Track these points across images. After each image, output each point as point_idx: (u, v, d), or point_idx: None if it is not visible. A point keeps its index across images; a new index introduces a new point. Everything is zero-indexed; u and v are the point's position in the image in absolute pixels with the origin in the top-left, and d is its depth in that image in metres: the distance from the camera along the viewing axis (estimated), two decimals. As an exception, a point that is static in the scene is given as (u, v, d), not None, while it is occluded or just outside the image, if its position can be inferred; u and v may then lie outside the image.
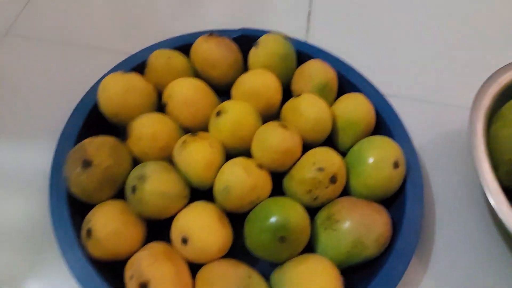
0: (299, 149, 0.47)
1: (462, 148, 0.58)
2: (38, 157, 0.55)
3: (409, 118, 0.55)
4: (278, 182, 0.49)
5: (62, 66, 0.64)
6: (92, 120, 0.52)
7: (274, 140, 0.45)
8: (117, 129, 0.53)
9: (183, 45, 0.58)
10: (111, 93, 0.49)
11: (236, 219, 0.47)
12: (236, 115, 0.48)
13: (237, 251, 0.45)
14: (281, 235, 0.41)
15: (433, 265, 0.49)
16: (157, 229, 0.47)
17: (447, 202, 0.54)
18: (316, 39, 0.67)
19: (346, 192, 0.49)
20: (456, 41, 0.71)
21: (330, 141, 0.53)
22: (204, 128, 0.51)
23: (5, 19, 0.70)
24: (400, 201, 0.48)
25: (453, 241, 0.51)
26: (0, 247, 0.48)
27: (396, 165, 0.46)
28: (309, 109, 0.48)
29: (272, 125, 0.47)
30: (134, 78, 0.51)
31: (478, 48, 0.70)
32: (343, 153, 0.50)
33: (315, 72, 0.53)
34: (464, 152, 0.58)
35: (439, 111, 0.62)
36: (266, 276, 0.44)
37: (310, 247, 0.45)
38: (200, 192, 0.48)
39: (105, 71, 0.56)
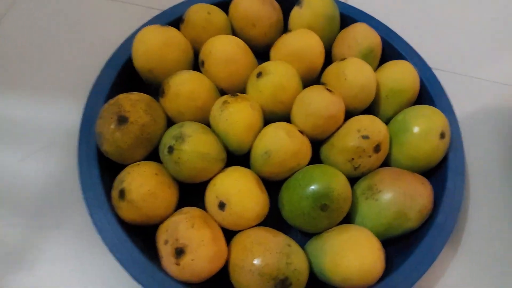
0: (343, 116, 0.44)
1: (502, 125, 0.55)
2: (66, 114, 0.51)
3: (448, 91, 0.51)
4: (312, 151, 0.45)
5: (89, 19, 0.60)
6: (124, 76, 0.49)
7: (319, 104, 0.42)
8: (147, 87, 0.49)
9: (221, 1, 0.53)
10: (148, 46, 0.45)
11: (267, 188, 0.44)
12: (279, 76, 0.44)
13: (265, 221, 0.43)
14: (324, 203, 0.39)
15: (464, 243, 0.47)
16: (185, 195, 0.44)
17: (482, 178, 0.51)
18: (356, 2, 0.62)
19: (385, 162, 0.46)
20: (502, 17, 0.66)
21: (369, 109, 0.49)
22: (238, 90, 0.48)
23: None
24: (441, 173, 0.46)
25: (487, 221, 0.48)
26: (25, 208, 0.45)
27: (442, 135, 0.43)
28: (355, 74, 0.45)
29: (317, 89, 0.43)
30: (172, 32, 0.47)
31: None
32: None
33: (361, 36, 0.49)
34: (503, 129, 0.55)
35: (478, 85, 0.59)
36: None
37: (346, 217, 0.42)
38: (231, 159, 0.45)
39: (135, 27, 0.52)
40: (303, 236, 0.45)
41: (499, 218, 0.49)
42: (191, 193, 0.45)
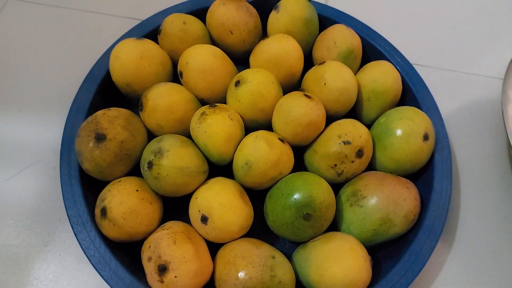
0: (323, 121, 0.42)
1: (488, 118, 0.53)
2: (47, 130, 0.50)
3: (432, 87, 0.49)
4: (297, 156, 0.43)
5: (68, 33, 0.58)
6: (104, 91, 0.47)
7: (298, 112, 0.40)
8: (129, 99, 0.47)
9: (198, 10, 0.51)
10: (125, 61, 0.43)
11: (253, 196, 0.42)
12: (257, 84, 0.42)
13: (253, 229, 0.41)
14: (307, 212, 0.37)
15: (458, 243, 0.45)
16: (172, 207, 0.43)
17: (472, 175, 0.49)
18: (336, 2, 0.60)
19: (370, 166, 0.44)
20: (483, 9, 0.63)
21: (352, 112, 0.47)
22: (220, 100, 0.46)
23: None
24: (428, 174, 0.43)
25: (479, 218, 0.46)
26: (14, 227, 0.44)
27: (426, 137, 0.41)
28: (334, 78, 0.43)
29: (295, 96, 0.41)
30: (148, 45, 0.45)
31: (506, 18, 0.62)
32: (367, 126, 0.44)
33: (340, 38, 0.46)
34: (490, 123, 0.52)
35: (463, 80, 0.56)
36: (286, 255, 0.39)
37: (332, 224, 0.40)
38: (215, 169, 0.43)
39: (115, 38, 0.50)
40: (291, 244, 0.43)
41: (491, 216, 0.46)
42: (177, 204, 0.43)
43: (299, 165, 0.44)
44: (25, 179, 0.46)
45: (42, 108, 0.51)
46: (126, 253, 0.39)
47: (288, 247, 0.43)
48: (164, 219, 0.41)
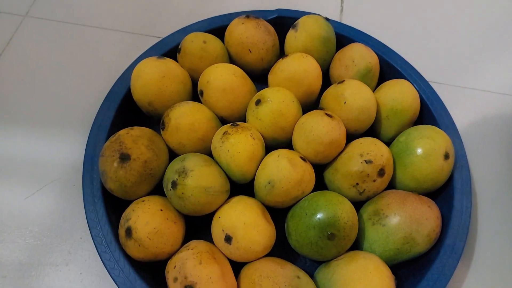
0: (344, 140, 0.43)
1: (503, 134, 0.53)
2: (66, 148, 0.50)
3: (447, 104, 0.50)
4: (316, 174, 0.43)
5: (85, 50, 0.58)
6: (124, 109, 0.47)
7: (320, 131, 0.40)
8: (149, 117, 0.48)
9: (216, 28, 0.52)
10: (147, 80, 0.44)
11: (272, 213, 0.42)
12: (277, 103, 0.42)
13: (273, 247, 0.41)
14: (331, 232, 0.37)
15: (477, 260, 0.45)
16: (192, 225, 0.43)
17: (489, 191, 0.49)
18: (351, 20, 0.61)
19: (390, 184, 0.44)
20: (496, 27, 0.64)
21: (370, 130, 0.48)
22: (240, 117, 0.46)
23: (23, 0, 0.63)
24: (447, 193, 0.44)
25: (497, 235, 0.46)
26: (30, 245, 0.44)
27: (446, 156, 0.42)
28: (355, 97, 0.43)
29: (316, 115, 0.42)
30: (170, 64, 0.45)
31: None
32: (386, 143, 0.44)
33: (359, 56, 0.47)
34: (505, 139, 0.53)
35: (477, 97, 0.57)
36: (308, 273, 0.40)
37: (354, 243, 0.41)
38: (233, 186, 0.43)
39: (131, 55, 0.51)
40: (312, 262, 0.43)
41: (509, 232, 0.47)
42: (197, 222, 0.43)
43: (319, 183, 0.44)
44: (45, 197, 0.47)
45: (60, 125, 0.52)
46: (149, 272, 0.40)
47: (309, 265, 0.43)
48: (184, 239, 0.41)
